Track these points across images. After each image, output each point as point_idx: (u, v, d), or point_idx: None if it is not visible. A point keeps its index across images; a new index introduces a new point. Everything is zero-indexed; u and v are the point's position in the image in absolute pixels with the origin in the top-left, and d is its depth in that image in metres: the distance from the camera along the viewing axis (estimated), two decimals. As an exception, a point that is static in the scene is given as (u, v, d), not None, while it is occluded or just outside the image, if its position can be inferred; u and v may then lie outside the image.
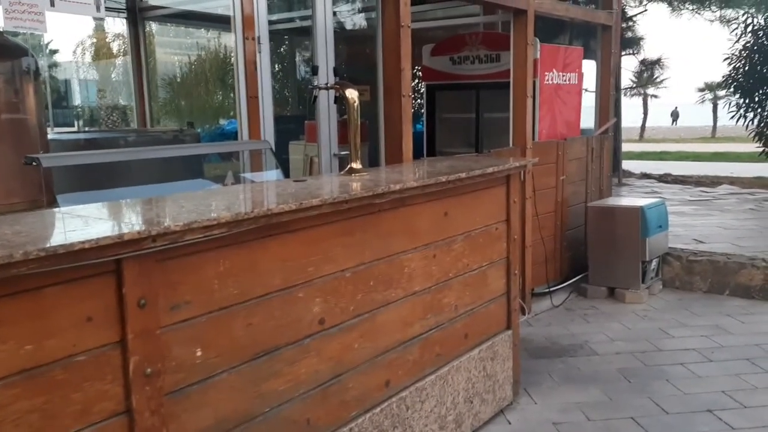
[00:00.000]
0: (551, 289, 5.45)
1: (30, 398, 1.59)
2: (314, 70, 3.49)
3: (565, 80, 5.80)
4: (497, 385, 3.50)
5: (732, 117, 11.64)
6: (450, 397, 3.12)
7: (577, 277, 5.75)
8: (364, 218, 2.54)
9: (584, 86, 6.20)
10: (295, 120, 7.00)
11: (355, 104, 3.01)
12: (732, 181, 10.46)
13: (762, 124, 11.30)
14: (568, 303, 5.42)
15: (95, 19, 9.86)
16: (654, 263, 5.59)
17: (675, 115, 46.94)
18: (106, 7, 3.14)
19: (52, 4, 2.81)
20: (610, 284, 5.53)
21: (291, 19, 7.86)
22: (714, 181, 10.49)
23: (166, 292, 1.87)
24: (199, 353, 1.97)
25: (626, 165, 12.03)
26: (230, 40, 3.51)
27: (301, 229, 2.26)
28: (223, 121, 8.53)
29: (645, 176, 11.44)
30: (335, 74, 3.63)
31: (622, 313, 5.15)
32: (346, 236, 2.47)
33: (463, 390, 3.21)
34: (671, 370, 4.06)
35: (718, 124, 33.31)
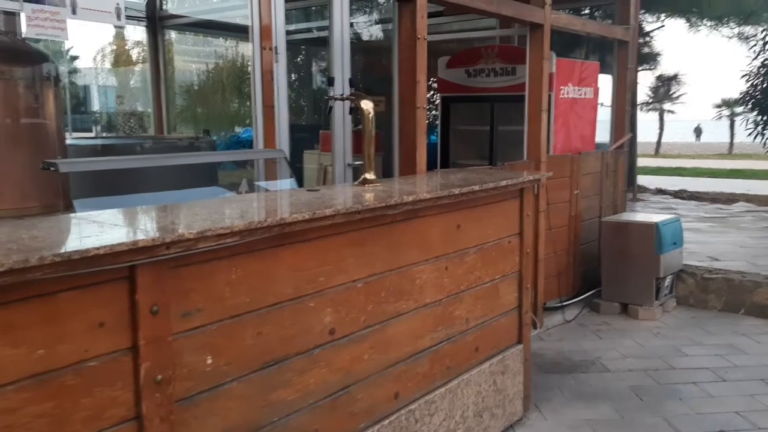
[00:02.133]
0: (563, 303, 5.41)
1: (41, 403, 1.60)
2: (330, 81, 3.50)
3: (581, 94, 5.79)
4: (507, 399, 3.47)
5: (749, 134, 11.57)
6: (459, 410, 3.10)
7: (590, 293, 5.71)
8: (377, 229, 2.54)
9: (600, 101, 6.19)
10: (310, 129, 7.05)
11: (370, 115, 3.02)
12: (748, 198, 10.37)
13: (780, 142, 11.23)
14: (580, 318, 5.38)
15: (116, 26, 10.00)
16: (668, 280, 5.54)
17: (698, 132, 46.56)
18: (126, 16, 3.17)
19: (74, 12, 2.85)
20: (623, 300, 5.49)
21: (308, 30, 7.93)
22: (730, 198, 10.40)
23: (179, 299, 1.87)
24: (209, 361, 1.97)
25: (641, 180, 11.97)
26: (247, 49, 3.54)
27: (313, 238, 2.27)
28: (238, 129, 8.59)
29: (660, 192, 11.36)
30: (351, 85, 3.65)
31: (635, 330, 5.11)
32: (358, 247, 2.47)
33: (472, 404, 3.19)
34: (684, 389, 4.01)
35: (735, 140, 33.09)
